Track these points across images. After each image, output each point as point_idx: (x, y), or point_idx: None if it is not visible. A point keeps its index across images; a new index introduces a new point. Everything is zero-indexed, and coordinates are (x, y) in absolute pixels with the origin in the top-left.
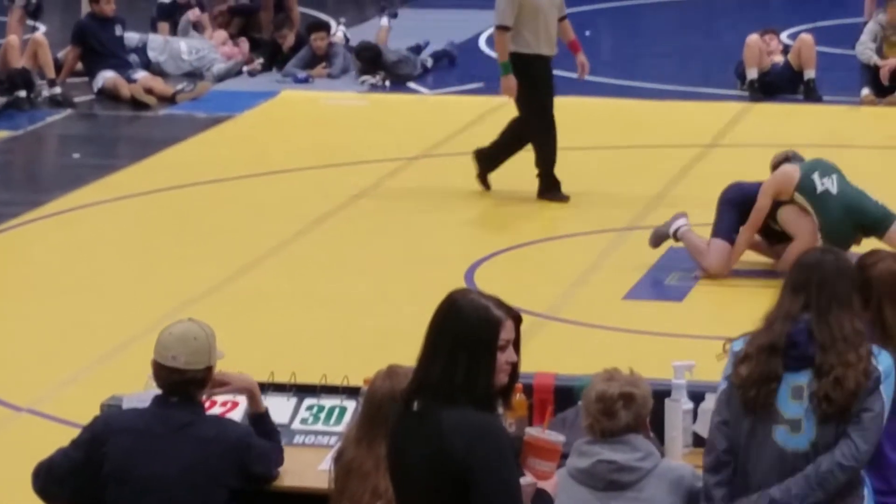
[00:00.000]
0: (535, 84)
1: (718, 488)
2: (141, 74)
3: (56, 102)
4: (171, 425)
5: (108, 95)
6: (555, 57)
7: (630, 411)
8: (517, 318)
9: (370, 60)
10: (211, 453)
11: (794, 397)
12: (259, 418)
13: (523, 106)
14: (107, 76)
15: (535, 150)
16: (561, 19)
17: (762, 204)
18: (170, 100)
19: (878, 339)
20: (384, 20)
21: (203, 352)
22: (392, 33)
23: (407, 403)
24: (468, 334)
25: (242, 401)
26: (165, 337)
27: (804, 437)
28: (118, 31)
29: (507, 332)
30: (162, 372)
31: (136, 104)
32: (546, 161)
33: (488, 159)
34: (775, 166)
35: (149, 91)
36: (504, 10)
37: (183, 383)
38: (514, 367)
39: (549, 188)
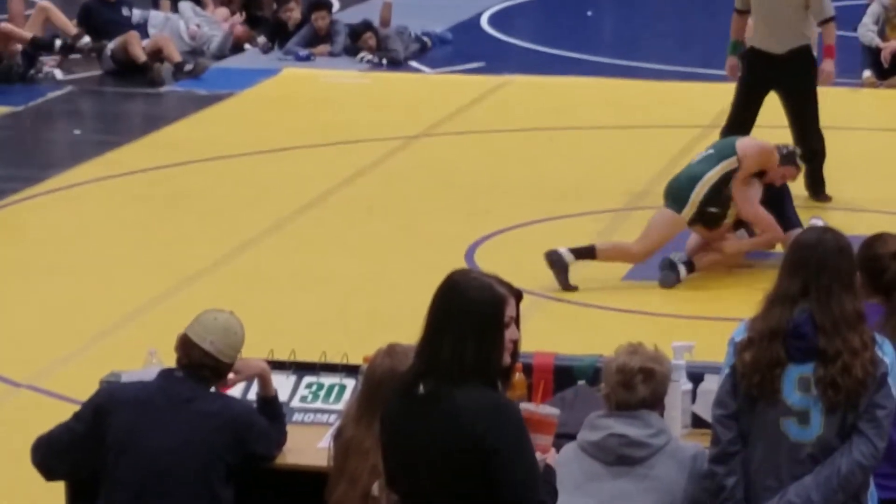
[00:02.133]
0: (743, 73)
1: (730, 477)
2: (147, 41)
3: (89, 51)
4: (174, 398)
5: (121, 60)
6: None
7: (648, 386)
8: (518, 296)
9: (360, 38)
10: (212, 427)
11: (800, 389)
12: (268, 402)
13: None
14: (116, 41)
15: None
16: (820, 23)
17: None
18: (177, 68)
19: (891, 328)
20: None
21: (236, 348)
22: (396, 12)
23: (409, 387)
24: (476, 313)
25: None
26: (209, 321)
27: (812, 430)
28: (125, 11)
29: (510, 310)
30: (192, 350)
31: (146, 69)
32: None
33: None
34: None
35: (157, 51)
36: None
37: (203, 367)
38: (516, 345)
39: None
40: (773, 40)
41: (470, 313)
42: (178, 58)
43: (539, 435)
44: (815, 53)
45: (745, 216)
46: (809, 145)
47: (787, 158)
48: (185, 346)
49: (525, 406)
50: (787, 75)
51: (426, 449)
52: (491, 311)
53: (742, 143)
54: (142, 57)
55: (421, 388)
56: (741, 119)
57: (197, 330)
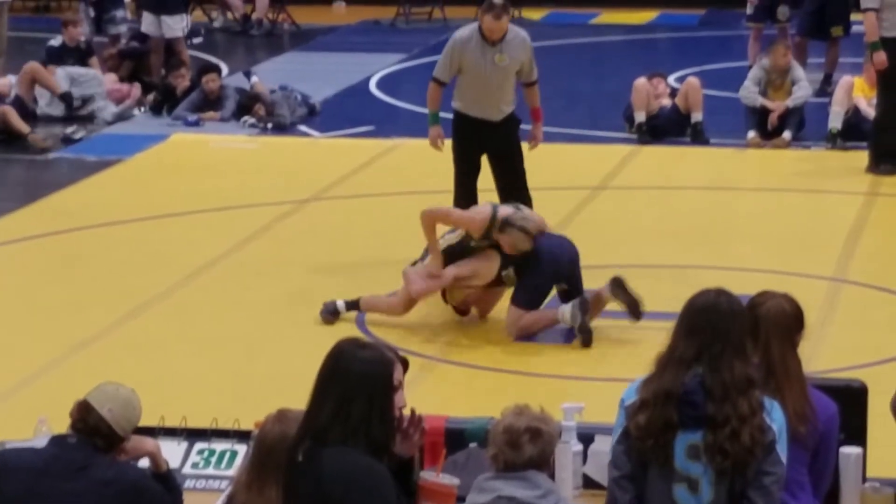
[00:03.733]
0: (454, 140)
1: None
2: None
3: None
4: (69, 466)
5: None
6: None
7: (535, 446)
8: (404, 363)
9: (250, 110)
10: (108, 495)
11: (690, 457)
12: (161, 478)
13: None
14: None
15: None
16: (528, 85)
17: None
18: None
19: (761, 378)
20: (253, 79)
21: (130, 422)
22: (284, 75)
23: (292, 452)
24: (364, 373)
25: None
26: (112, 391)
27: (702, 497)
28: None
29: (398, 373)
30: (89, 415)
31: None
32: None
33: None
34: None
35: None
36: (440, 63)
37: (97, 433)
38: (401, 411)
39: None
40: (492, 109)
41: (357, 374)
42: (25, 129)
43: None
44: None
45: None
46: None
47: (504, 224)
48: (83, 410)
49: (424, 475)
50: (500, 139)
51: None
52: (379, 371)
53: None
54: (24, 128)
55: (300, 455)
56: (468, 187)
57: (97, 396)
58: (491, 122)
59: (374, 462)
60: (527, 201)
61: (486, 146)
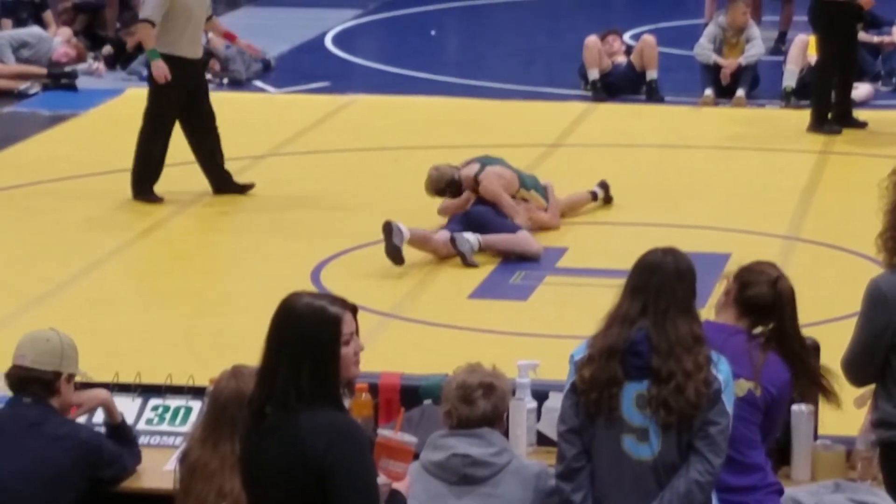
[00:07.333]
0: (166, 87)
1: (577, 493)
2: None
3: None
4: (21, 424)
5: None
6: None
7: (489, 402)
8: (354, 309)
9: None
10: (60, 450)
11: (638, 406)
12: (116, 429)
13: (148, 100)
14: None
15: (137, 146)
16: (208, 18)
17: (508, 201)
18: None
19: (781, 354)
20: (209, 34)
21: (53, 354)
22: (240, 31)
23: (256, 416)
24: (309, 339)
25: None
26: (22, 338)
27: (652, 447)
28: None
29: (348, 326)
30: (12, 370)
31: None
32: (139, 163)
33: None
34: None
35: None
36: (152, 4)
37: (29, 381)
38: (357, 356)
39: (140, 191)
40: (196, 45)
41: (303, 340)
42: None
43: (394, 462)
44: None
45: None
46: (216, 149)
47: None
48: (10, 369)
49: (382, 433)
50: (200, 77)
51: (274, 476)
52: (325, 336)
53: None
54: None
55: (266, 417)
56: (170, 131)
57: (15, 351)
58: (195, 59)
59: (346, 417)
60: (216, 140)
61: (190, 85)
